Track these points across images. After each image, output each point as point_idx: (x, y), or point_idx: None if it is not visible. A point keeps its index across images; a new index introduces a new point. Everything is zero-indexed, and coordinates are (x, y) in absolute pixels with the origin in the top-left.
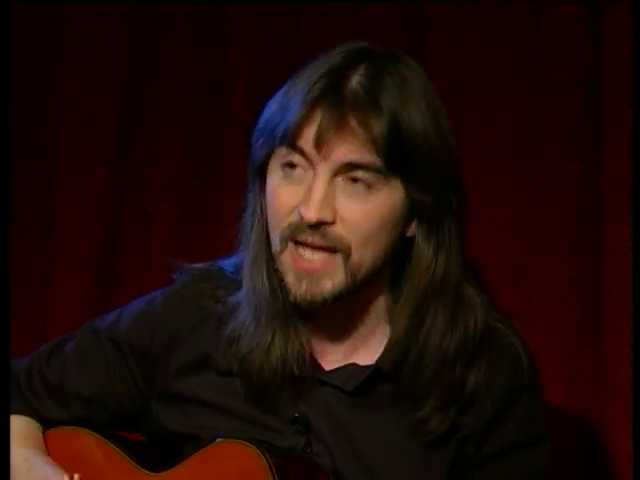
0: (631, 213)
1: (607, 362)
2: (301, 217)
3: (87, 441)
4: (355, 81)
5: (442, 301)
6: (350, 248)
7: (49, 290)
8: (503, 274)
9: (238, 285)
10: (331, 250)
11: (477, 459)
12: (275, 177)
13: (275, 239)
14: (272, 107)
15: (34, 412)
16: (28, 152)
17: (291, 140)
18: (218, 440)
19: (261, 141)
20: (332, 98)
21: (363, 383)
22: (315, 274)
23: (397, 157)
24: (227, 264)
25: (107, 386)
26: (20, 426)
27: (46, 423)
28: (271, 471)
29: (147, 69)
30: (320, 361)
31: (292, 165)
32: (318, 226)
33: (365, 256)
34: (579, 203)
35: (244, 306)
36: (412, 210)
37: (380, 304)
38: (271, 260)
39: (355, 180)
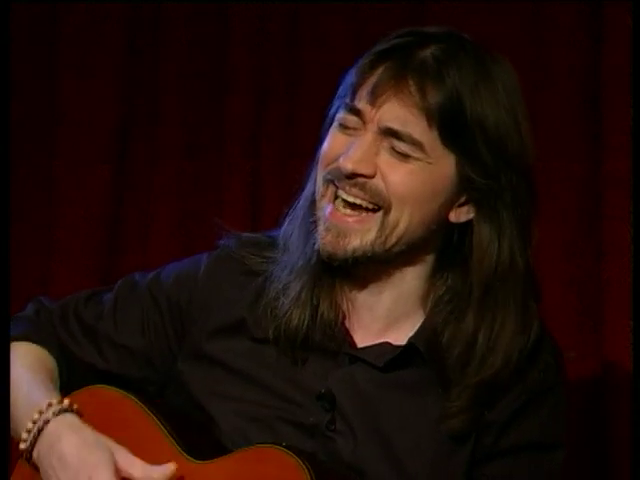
0: (631, 213)
1: (607, 362)
2: (338, 166)
3: (125, 405)
4: (429, 51)
5: (513, 293)
6: (390, 204)
7: (49, 290)
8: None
9: (284, 252)
10: (370, 208)
11: (494, 451)
12: (332, 128)
13: (319, 182)
14: (351, 69)
15: (63, 351)
16: (28, 152)
17: (350, 97)
18: (261, 445)
19: (335, 100)
20: (399, 56)
21: (395, 359)
22: (344, 229)
23: (454, 131)
24: (277, 234)
25: (139, 337)
26: (34, 352)
27: (73, 363)
28: None
29: (147, 69)
30: (354, 336)
31: (345, 126)
32: (353, 177)
33: (401, 218)
34: (579, 203)
35: (283, 268)
36: (464, 190)
37: (418, 287)
38: (311, 224)
39: (395, 148)
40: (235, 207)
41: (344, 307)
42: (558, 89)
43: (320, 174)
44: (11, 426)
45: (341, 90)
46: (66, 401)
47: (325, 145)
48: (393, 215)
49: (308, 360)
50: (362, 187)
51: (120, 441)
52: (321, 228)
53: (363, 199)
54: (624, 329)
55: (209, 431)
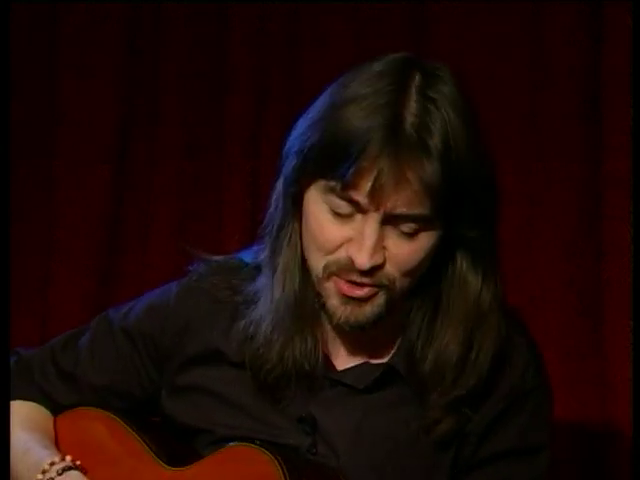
0: (631, 213)
1: (607, 362)
2: (351, 261)
3: (105, 424)
4: (408, 124)
5: (489, 334)
6: (395, 282)
7: (49, 290)
8: (503, 274)
9: (257, 278)
10: (377, 285)
11: (474, 460)
12: (320, 210)
13: (317, 267)
14: (316, 129)
15: (46, 398)
16: (28, 152)
17: (345, 191)
18: (233, 444)
19: (303, 166)
20: (391, 149)
21: (375, 381)
22: (359, 299)
23: (446, 203)
24: (246, 256)
25: (118, 375)
26: (26, 411)
27: (59, 409)
28: (285, 478)
29: (147, 69)
30: (333, 361)
31: (339, 213)
32: (371, 272)
33: (405, 286)
34: (579, 203)
35: (264, 304)
36: (453, 242)
37: (398, 311)
38: (303, 269)
39: (401, 229)
40: (235, 207)
41: (324, 335)
42: (558, 89)
43: (319, 260)
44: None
45: (315, 158)
46: (68, 458)
47: (318, 230)
48: (399, 287)
49: (288, 385)
50: (372, 274)
51: (102, 456)
52: (335, 302)
53: (371, 283)
54: (624, 329)
55: (187, 442)
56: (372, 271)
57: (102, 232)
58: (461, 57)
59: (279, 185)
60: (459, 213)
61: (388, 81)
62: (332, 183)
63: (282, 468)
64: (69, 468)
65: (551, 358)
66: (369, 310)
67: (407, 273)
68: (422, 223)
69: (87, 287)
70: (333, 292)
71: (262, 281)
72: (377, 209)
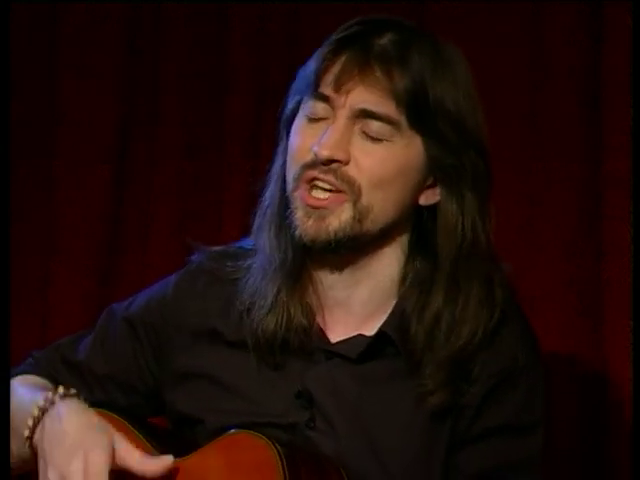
0: (631, 213)
1: (607, 362)
2: (314, 153)
3: (111, 421)
4: (387, 38)
5: (477, 272)
6: (360, 190)
7: (49, 290)
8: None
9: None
10: (341, 190)
11: (469, 435)
12: (298, 121)
13: (290, 179)
14: (305, 64)
15: (56, 383)
16: (28, 152)
17: (314, 85)
18: (231, 431)
19: (292, 94)
20: (360, 45)
21: (367, 349)
22: (323, 210)
23: (419, 113)
24: (246, 242)
25: (120, 365)
26: (37, 379)
27: None
28: (282, 463)
29: (147, 69)
30: (328, 333)
31: (313, 118)
32: (329, 164)
33: (375, 202)
34: (579, 203)
35: (256, 263)
36: (432, 171)
37: (392, 276)
38: (284, 219)
39: (369, 130)
40: (235, 207)
41: (317, 306)
42: (558, 89)
43: (293, 168)
44: (12, 427)
45: (299, 84)
46: (73, 390)
47: (295, 138)
48: (364, 200)
49: (285, 361)
50: (335, 173)
51: None
52: (300, 214)
53: (335, 185)
54: (624, 329)
55: (184, 435)
56: (335, 169)
57: (102, 232)
58: None
59: (278, 133)
60: (434, 133)
61: (380, 16)
62: (308, 85)
63: (279, 453)
64: (72, 396)
65: (551, 358)
66: (334, 224)
67: (374, 183)
68: (390, 126)
69: (87, 287)
70: (299, 203)
71: (255, 245)
72: (345, 102)
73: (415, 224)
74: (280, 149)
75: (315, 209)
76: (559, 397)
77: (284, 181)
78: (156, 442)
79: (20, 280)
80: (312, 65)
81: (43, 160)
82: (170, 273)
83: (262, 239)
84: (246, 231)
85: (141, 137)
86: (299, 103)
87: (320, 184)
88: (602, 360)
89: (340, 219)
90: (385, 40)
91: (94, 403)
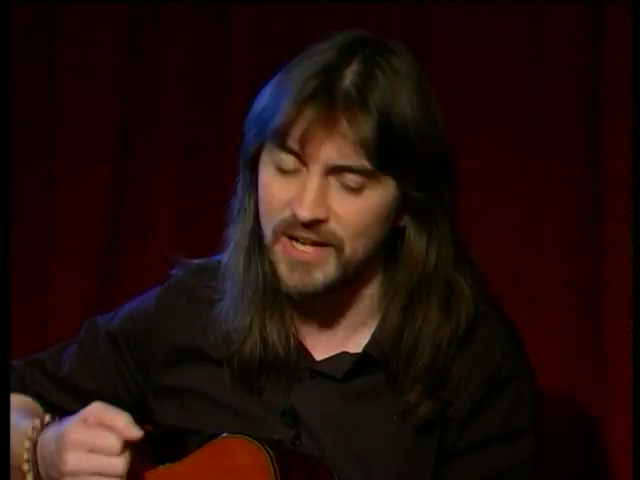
0: (631, 213)
1: (607, 362)
2: (294, 215)
3: None
4: (347, 80)
5: (434, 292)
6: (343, 243)
7: (49, 290)
8: (503, 274)
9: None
10: (325, 244)
11: (457, 448)
12: (267, 171)
13: (267, 232)
14: (265, 98)
15: (41, 399)
16: (28, 152)
17: (281, 139)
18: (223, 435)
19: (253, 133)
20: (323, 98)
21: (352, 369)
22: (308, 264)
23: (387, 157)
24: (224, 257)
25: (104, 379)
26: (20, 399)
27: (55, 410)
28: (273, 466)
29: (147, 69)
30: (312, 352)
31: (283, 169)
32: (312, 224)
33: (357, 249)
34: (579, 203)
35: (230, 294)
36: (404, 204)
37: (372, 294)
38: (259, 249)
39: (345, 183)
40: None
41: (298, 325)
42: (558, 89)
43: (269, 222)
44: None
45: (259, 124)
46: (48, 418)
47: (266, 192)
48: (347, 251)
49: (269, 379)
50: (317, 231)
51: None
52: (284, 269)
53: (317, 241)
54: (624, 329)
55: (174, 440)
56: (316, 226)
57: (102, 232)
58: (461, 57)
59: (240, 166)
60: (404, 172)
61: (337, 49)
62: (274, 138)
63: (270, 456)
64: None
65: (551, 358)
66: (319, 277)
67: (356, 234)
68: (365, 177)
69: (87, 287)
70: (281, 257)
71: (229, 273)
72: (316, 160)
73: (391, 242)
74: (242, 184)
75: (300, 262)
76: (559, 397)
77: (251, 222)
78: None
79: (20, 280)
80: (275, 117)
81: (43, 160)
82: (170, 273)
83: (232, 271)
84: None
85: (141, 137)
86: (261, 146)
87: (302, 241)
88: (602, 360)
89: (325, 272)
90: (346, 83)
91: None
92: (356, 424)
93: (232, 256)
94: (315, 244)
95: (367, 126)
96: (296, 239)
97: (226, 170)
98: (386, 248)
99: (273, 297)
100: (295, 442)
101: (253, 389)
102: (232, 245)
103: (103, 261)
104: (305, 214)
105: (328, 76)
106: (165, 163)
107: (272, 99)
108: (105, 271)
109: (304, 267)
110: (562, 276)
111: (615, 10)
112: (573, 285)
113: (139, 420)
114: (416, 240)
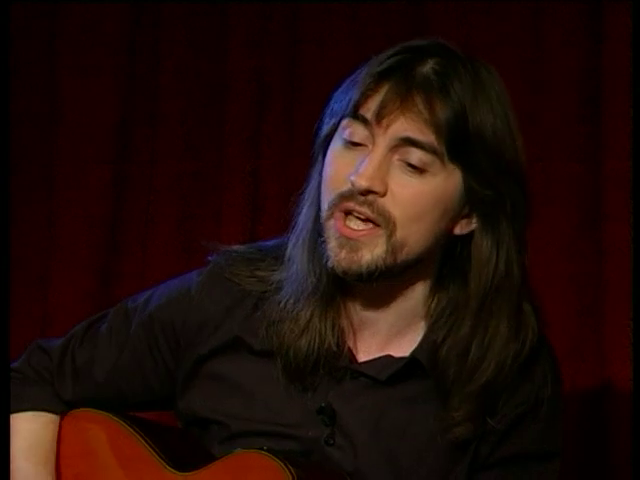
0: (631, 213)
1: (607, 362)
2: (352, 185)
3: (110, 427)
4: (429, 65)
5: (507, 304)
6: (395, 225)
7: (49, 290)
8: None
9: (280, 266)
10: (376, 223)
11: (489, 461)
12: (335, 146)
13: (324, 207)
14: (342, 86)
15: (57, 398)
16: (28, 152)
17: (354, 108)
18: (241, 450)
19: (328, 118)
20: (402, 74)
21: (398, 373)
22: (357, 241)
23: (459, 145)
24: (269, 245)
25: (135, 366)
26: (28, 435)
27: (69, 406)
28: None
29: (147, 69)
30: (355, 352)
31: (351, 142)
32: (366, 194)
33: (409, 235)
34: (579, 203)
35: (287, 285)
36: (468, 202)
37: (420, 299)
38: (318, 244)
39: (409, 161)
40: (235, 207)
41: (345, 325)
42: (558, 89)
43: (328, 196)
44: None
45: (336, 107)
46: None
47: (331, 165)
48: (399, 234)
49: (311, 372)
50: (371, 205)
51: (106, 462)
52: (333, 245)
53: (370, 217)
54: (624, 329)
55: (195, 441)
56: (371, 200)
57: (102, 232)
58: None
59: (314, 155)
60: (472, 165)
61: (419, 43)
62: (349, 108)
63: (293, 476)
64: None
65: None
66: (366, 256)
67: (410, 218)
68: (431, 156)
69: (87, 287)
70: (332, 233)
71: (287, 268)
72: (385, 131)
73: (448, 251)
74: (314, 171)
75: (349, 240)
76: None
77: (318, 206)
78: (161, 450)
79: (20, 280)
80: (352, 92)
81: (43, 160)
82: (170, 273)
83: (295, 263)
84: (246, 234)
85: (141, 137)
86: (336, 126)
87: (356, 214)
88: (602, 360)
89: (373, 253)
90: (427, 68)
91: (100, 402)
92: (393, 428)
93: (296, 245)
94: (367, 221)
95: (443, 109)
96: (350, 212)
97: (226, 170)
98: (442, 253)
99: (331, 295)
100: (329, 441)
101: (294, 384)
102: (297, 232)
103: (103, 261)
104: (362, 182)
105: (410, 58)
106: (165, 163)
107: (350, 82)
108: (105, 271)
109: (353, 244)
110: (562, 276)
111: (615, 10)
112: (573, 285)
113: (159, 409)
114: (482, 241)
